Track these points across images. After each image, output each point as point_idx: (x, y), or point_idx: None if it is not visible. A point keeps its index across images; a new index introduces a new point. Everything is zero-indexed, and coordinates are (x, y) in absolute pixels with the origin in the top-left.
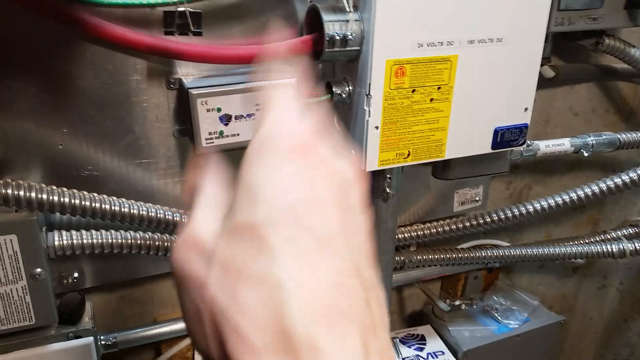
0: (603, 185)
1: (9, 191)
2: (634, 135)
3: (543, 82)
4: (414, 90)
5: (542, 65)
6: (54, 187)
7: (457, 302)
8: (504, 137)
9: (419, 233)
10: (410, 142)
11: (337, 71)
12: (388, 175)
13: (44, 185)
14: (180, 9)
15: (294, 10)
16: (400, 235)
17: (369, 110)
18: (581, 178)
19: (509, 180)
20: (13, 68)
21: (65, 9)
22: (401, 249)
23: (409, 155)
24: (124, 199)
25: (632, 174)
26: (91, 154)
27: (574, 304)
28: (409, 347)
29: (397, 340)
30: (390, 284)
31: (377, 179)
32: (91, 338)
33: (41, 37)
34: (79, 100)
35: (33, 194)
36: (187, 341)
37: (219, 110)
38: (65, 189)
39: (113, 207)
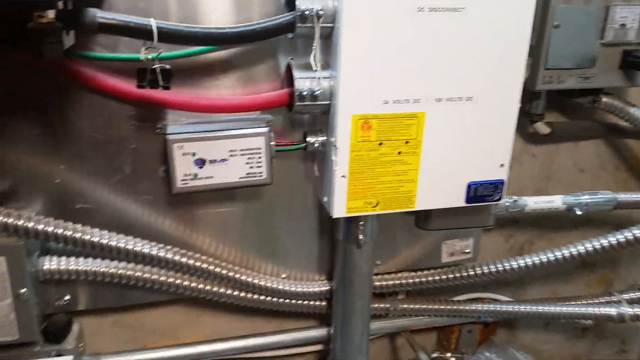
0: (611, 240)
1: (10, 220)
2: (633, 196)
3: (542, 138)
4: (380, 144)
5: (535, 122)
6: (51, 219)
7: (447, 355)
8: (478, 192)
9: (403, 281)
10: (378, 191)
11: (316, 121)
12: (361, 222)
13: (41, 217)
14: (153, 66)
15: (278, 65)
16: (384, 283)
17: (336, 161)
18: (589, 235)
19: (508, 234)
20: (19, 112)
21: (65, 62)
22: (387, 296)
23: (377, 204)
24: (113, 233)
25: (637, 231)
26: (84, 189)
27: None
28: None
29: None
30: (367, 330)
31: (349, 225)
32: (71, 357)
33: (44, 86)
34: (76, 141)
35: (30, 224)
36: None
37: (193, 154)
38: (60, 222)
39: (102, 241)
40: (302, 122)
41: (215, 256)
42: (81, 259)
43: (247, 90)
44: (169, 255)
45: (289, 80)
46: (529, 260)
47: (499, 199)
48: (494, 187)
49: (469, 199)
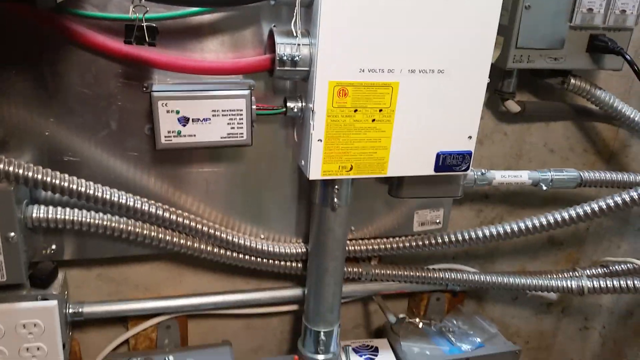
0: (577, 211)
1: (2, 166)
2: (597, 174)
3: (514, 117)
4: (356, 110)
5: (506, 99)
6: (40, 167)
7: (415, 320)
8: (446, 162)
9: (375, 247)
10: (352, 157)
11: (297, 88)
12: (336, 186)
13: (31, 165)
14: (145, 23)
15: (261, 31)
16: (358, 247)
17: (313, 124)
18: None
19: (479, 209)
20: (11, 64)
21: (57, 18)
22: (360, 261)
23: (351, 168)
24: (98, 185)
25: (602, 203)
26: (72, 142)
27: (552, 342)
28: (360, 356)
29: (350, 348)
30: (340, 291)
31: (326, 188)
32: (55, 302)
33: (36, 40)
34: (65, 96)
35: (20, 171)
36: (153, 321)
37: (177, 112)
38: (49, 170)
39: (88, 191)
40: (283, 89)
41: (197, 214)
42: (68, 209)
43: (231, 55)
44: (153, 210)
45: (272, 46)
46: (496, 230)
47: (466, 169)
48: (462, 158)
49: (437, 168)
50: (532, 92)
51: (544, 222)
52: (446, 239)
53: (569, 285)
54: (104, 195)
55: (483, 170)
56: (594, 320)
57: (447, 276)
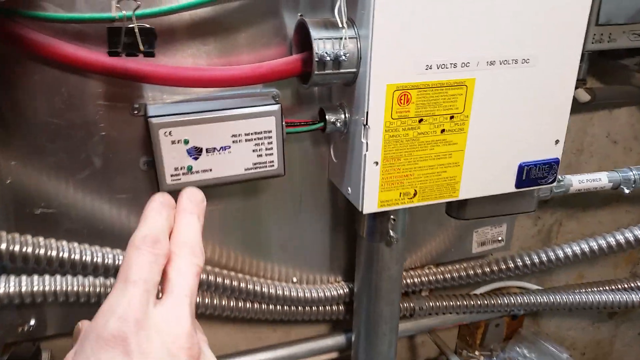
0: None
1: None
2: None
3: (577, 107)
4: (421, 120)
5: (576, 87)
6: (2, 233)
7: (475, 354)
8: (530, 175)
9: (431, 278)
10: (417, 179)
11: (333, 95)
12: (392, 217)
13: None
14: (130, 25)
15: (282, 24)
16: (409, 280)
17: (367, 143)
18: (619, 213)
19: (537, 216)
20: None
21: (6, 25)
22: (411, 295)
23: (415, 194)
24: (85, 246)
25: None
26: (44, 189)
27: (609, 350)
28: None
29: None
30: (396, 339)
31: (378, 220)
32: None
33: None
34: (29, 129)
35: None
36: None
37: (186, 142)
38: (15, 236)
39: (73, 256)
40: (311, 97)
41: (212, 262)
42: (47, 277)
43: (245, 58)
44: None
45: (300, 42)
46: (562, 251)
47: (554, 181)
48: (549, 168)
49: (520, 183)
50: (597, 77)
51: (630, 237)
52: (511, 264)
53: None
54: (95, 259)
55: (559, 177)
56: None
57: (511, 301)
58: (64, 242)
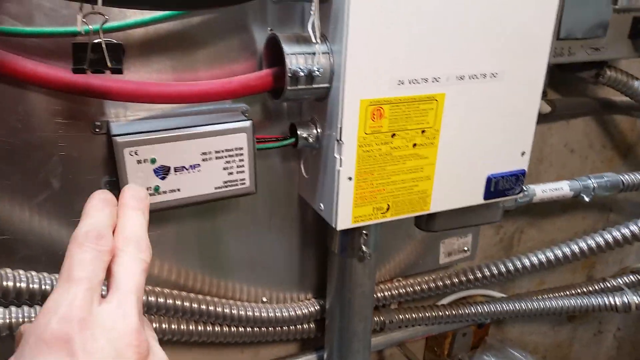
0: (605, 238)
1: None
2: (638, 176)
3: (538, 118)
4: (393, 135)
5: None
6: None
7: None
8: (498, 186)
9: (400, 291)
10: (390, 194)
11: (304, 110)
12: (364, 232)
13: None
14: (96, 40)
15: (251, 39)
16: (379, 294)
17: (341, 159)
18: (577, 219)
19: (499, 225)
20: None
21: None
22: (380, 308)
23: (388, 209)
24: (43, 275)
25: (634, 227)
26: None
27: (568, 352)
28: None
29: None
30: (369, 354)
31: (351, 235)
32: None
33: None
34: None
35: None
36: None
37: (153, 161)
38: None
39: (31, 286)
40: (280, 112)
41: (175, 285)
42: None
43: (213, 72)
44: None
45: (271, 58)
46: (526, 260)
47: (520, 192)
48: (515, 179)
49: (488, 195)
50: (556, 89)
51: (589, 244)
52: (478, 274)
53: (612, 302)
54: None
55: (524, 187)
56: (609, 323)
57: (478, 310)
58: (21, 271)
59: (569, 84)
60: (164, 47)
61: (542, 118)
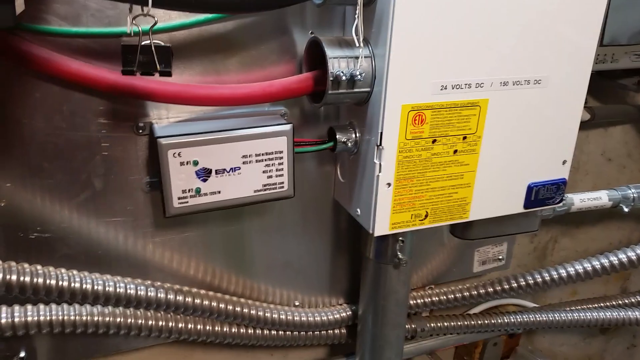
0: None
1: None
2: None
3: None
4: (434, 141)
5: None
6: None
7: None
8: (539, 195)
9: (433, 299)
10: (428, 201)
11: (341, 114)
12: (401, 239)
13: None
14: (145, 42)
15: (292, 42)
16: (412, 302)
17: (380, 164)
18: (611, 230)
19: (532, 234)
20: None
21: (8, 39)
22: (412, 316)
23: (426, 216)
24: (84, 274)
25: None
26: (41, 212)
27: None
28: None
29: None
30: None
31: (386, 242)
32: None
33: None
34: (26, 149)
35: None
36: None
37: (195, 163)
38: (12, 264)
39: (73, 284)
40: (317, 116)
41: (212, 287)
42: (41, 307)
43: (253, 75)
44: (154, 294)
45: (311, 61)
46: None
47: (560, 202)
48: (556, 188)
49: (528, 204)
50: (595, 96)
51: (623, 259)
52: (511, 284)
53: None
54: (95, 287)
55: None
56: None
57: (510, 320)
58: (61, 270)
59: (609, 91)
60: (207, 50)
61: (580, 125)
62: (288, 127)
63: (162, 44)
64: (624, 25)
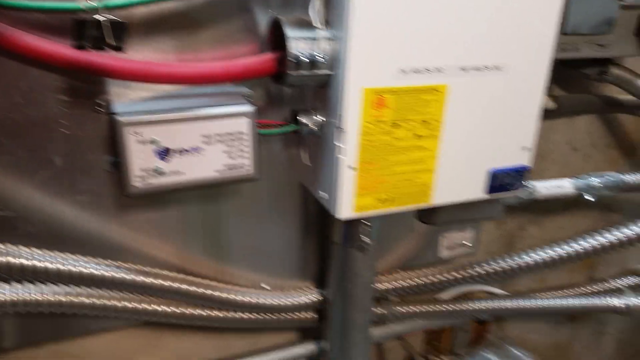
0: (608, 238)
1: None
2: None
3: (541, 114)
4: (396, 125)
5: None
6: None
7: (442, 359)
8: (500, 181)
9: (401, 283)
10: (391, 185)
11: (307, 96)
12: (366, 222)
13: None
14: (99, 17)
15: (254, 21)
16: (379, 286)
17: (342, 147)
18: (578, 218)
19: (500, 221)
20: None
21: None
22: (381, 300)
23: (390, 200)
24: (45, 252)
25: (636, 228)
26: (2, 190)
27: (568, 352)
28: None
29: None
30: (369, 347)
31: (352, 225)
32: None
33: None
34: None
35: None
36: None
37: (154, 142)
38: None
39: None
40: (282, 98)
41: (178, 269)
42: (5, 286)
43: (215, 54)
44: (120, 275)
45: (274, 41)
46: (527, 257)
47: (522, 188)
48: (518, 174)
49: (491, 189)
50: (560, 85)
51: (591, 244)
52: (478, 269)
53: (613, 304)
54: (57, 266)
55: (526, 183)
56: (609, 324)
57: (479, 306)
58: (22, 248)
59: (574, 81)
60: (168, 27)
61: (545, 114)
62: (250, 107)
63: (118, 19)
64: (586, 15)
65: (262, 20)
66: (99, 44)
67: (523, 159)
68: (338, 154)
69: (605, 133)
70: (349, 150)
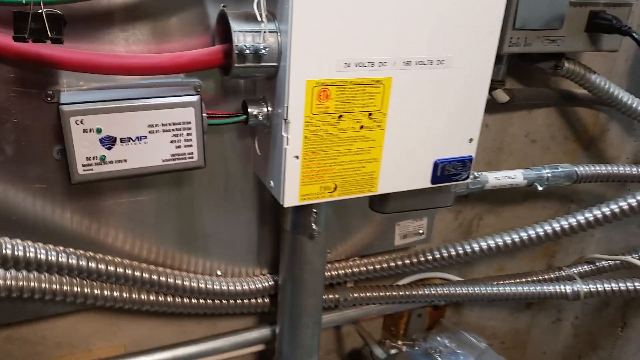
0: (562, 224)
1: None
2: (593, 168)
3: (497, 107)
4: (340, 116)
5: (495, 88)
6: None
7: (398, 343)
8: (445, 171)
9: (355, 270)
10: (337, 174)
11: (257, 88)
12: (314, 210)
13: None
14: (42, 10)
15: (205, 14)
16: (334, 272)
17: (287, 137)
18: (536, 209)
19: (457, 210)
20: None
21: None
22: (336, 286)
23: (335, 189)
24: None
25: (589, 214)
26: None
27: (526, 339)
28: None
29: None
30: (319, 332)
31: (301, 213)
32: None
33: None
34: None
35: None
36: None
37: (99, 131)
38: None
39: None
40: (236, 89)
41: (131, 256)
42: None
43: (166, 46)
44: (72, 260)
45: (223, 34)
46: (483, 243)
47: (467, 178)
48: (462, 165)
49: (435, 179)
50: (517, 79)
51: (547, 230)
52: (432, 256)
53: (563, 290)
54: (5, 251)
55: (475, 174)
56: (567, 312)
57: (433, 292)
58: None
59: (531, 74)
60: (117, 19)
61: (502, 107)
62: (195, 98)
63: (56, 12)
64: (535, 11)
65: (213, 14)
66: (39, 36)
67: (469, 150)
68: (283, 144)
69: (563, 125)
70: (294, 140)
